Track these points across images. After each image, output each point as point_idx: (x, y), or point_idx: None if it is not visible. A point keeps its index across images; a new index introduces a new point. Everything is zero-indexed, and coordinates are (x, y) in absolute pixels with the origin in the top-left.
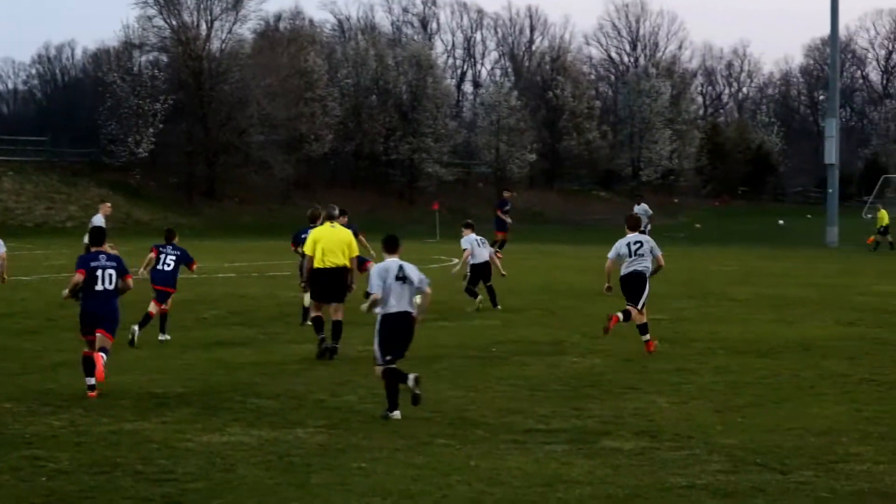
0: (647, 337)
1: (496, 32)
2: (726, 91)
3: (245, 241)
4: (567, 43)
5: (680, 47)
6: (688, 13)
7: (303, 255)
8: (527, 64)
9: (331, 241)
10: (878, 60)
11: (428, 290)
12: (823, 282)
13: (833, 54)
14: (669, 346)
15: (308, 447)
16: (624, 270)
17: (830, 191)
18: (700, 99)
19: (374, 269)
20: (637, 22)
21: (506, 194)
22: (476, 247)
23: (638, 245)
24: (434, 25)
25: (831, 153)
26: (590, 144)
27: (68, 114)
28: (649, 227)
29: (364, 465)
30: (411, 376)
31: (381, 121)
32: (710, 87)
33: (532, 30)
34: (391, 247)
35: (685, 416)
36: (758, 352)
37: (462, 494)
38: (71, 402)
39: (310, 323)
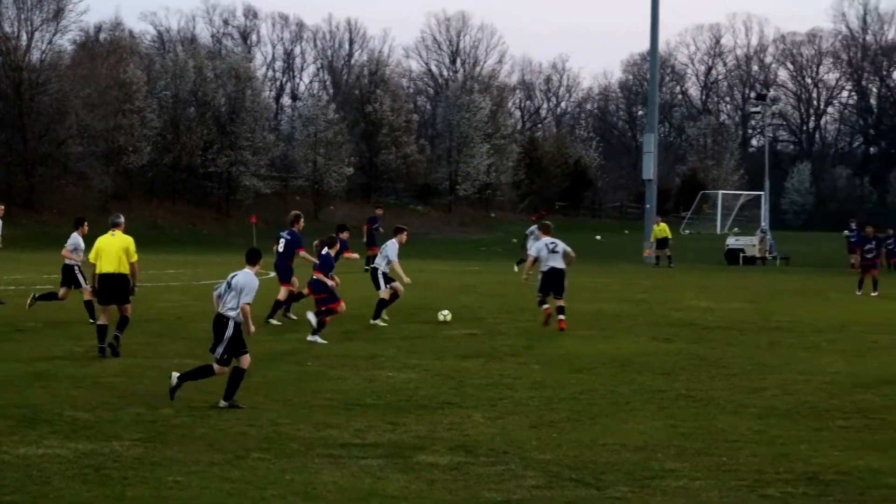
0: (563, 317)
1: (316, 45)
2: (545, 105)
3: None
4: (386, 56)
5: (500, 61)
6: (508, 27)
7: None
8: (345, 77)
9: (109, 249)
10: (697, 76)
11: (243, 302)
12: (640, 297)
13: (652, 69)
14: (485, 360)
15: (124, 460)
16: (543, 267)
17: (648, 206)
18: (518, 113)
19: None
20: (458, 36)
21: (378, 211)
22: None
23: (553, 245)
24: (254, 38)
25: (649, 168)
26: (407, 158)
27: None
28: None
29: (180, 479)
30: (175, 375)
31: (199, 133)
32: (528, 102)
33: (351, 43)
34: (249, 259)
35: (500, 431)
36: (574, 367)
37: None
38: None
39: (96, 323)
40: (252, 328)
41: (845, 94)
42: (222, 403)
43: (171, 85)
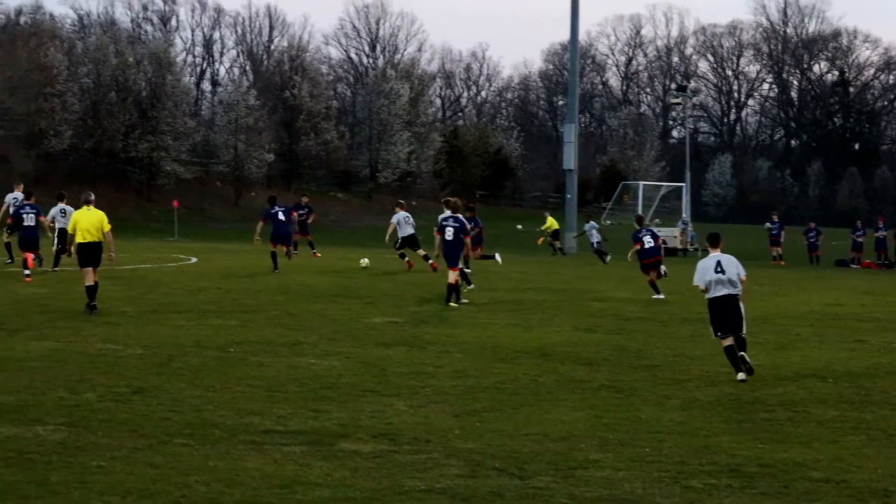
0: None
1: (235, 31)
2: (465, 94)
3: None
4: (306, 43)
5: (419, 49)
6: (427, 15)
7: None
8: (265, 63)
9: (86, 222)
10: (617, 66)
11: (743, 278)
12: (561, 287)
13: (573, 59)
14: (407, 349)
15: (48, 445)
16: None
17: (569, 196)
18: (439, 102)
19: (699, 264)
20: (377, 23)
21: (304, 199)
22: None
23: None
24: (174, 22)
25: (570, 158)
26: (327, 145)
27: None
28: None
29: (104, 464)
30: (740, 375)
31: (120, 118)
32: (448, 91)
33: (271, 29)
34: (713, 242)
35: (423, 419)
36: (496, 356)
37: (201, 495)
38: None
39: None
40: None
41: (766, 86)
42: (741, 377)
43: (93, 70)
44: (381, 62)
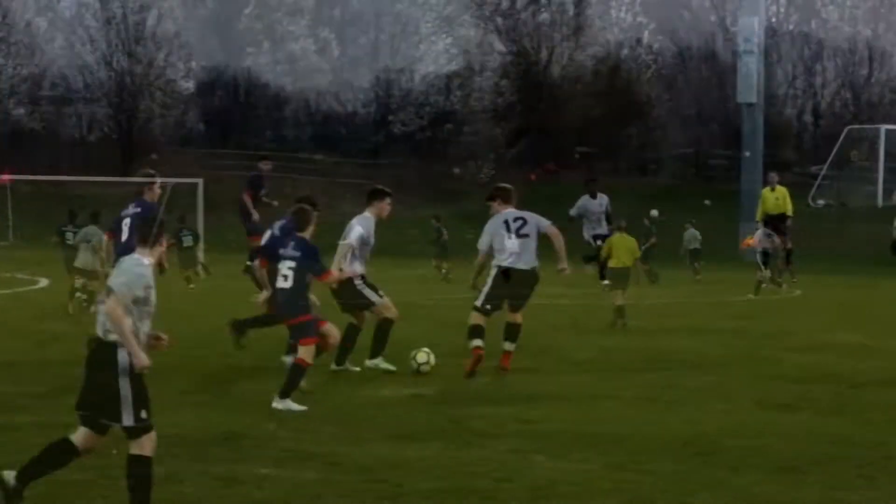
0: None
1: (836, 62)
2: None
3: None
4: None
5: None
6: None
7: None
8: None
9: (622, 247)
10: None
11: None
12: None
13: None
14: None
15: None
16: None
17: None
18: None
19: None
20: None
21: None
22: None
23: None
24: (773, 56)
25: None
26: None
27: None
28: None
29: None
30: None
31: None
32: None
33: (871, 60)
34: None
35: None
36: None
37: None
38: None
39: None
40: None
41: None
42: None
43: (693, 101)
44: None
